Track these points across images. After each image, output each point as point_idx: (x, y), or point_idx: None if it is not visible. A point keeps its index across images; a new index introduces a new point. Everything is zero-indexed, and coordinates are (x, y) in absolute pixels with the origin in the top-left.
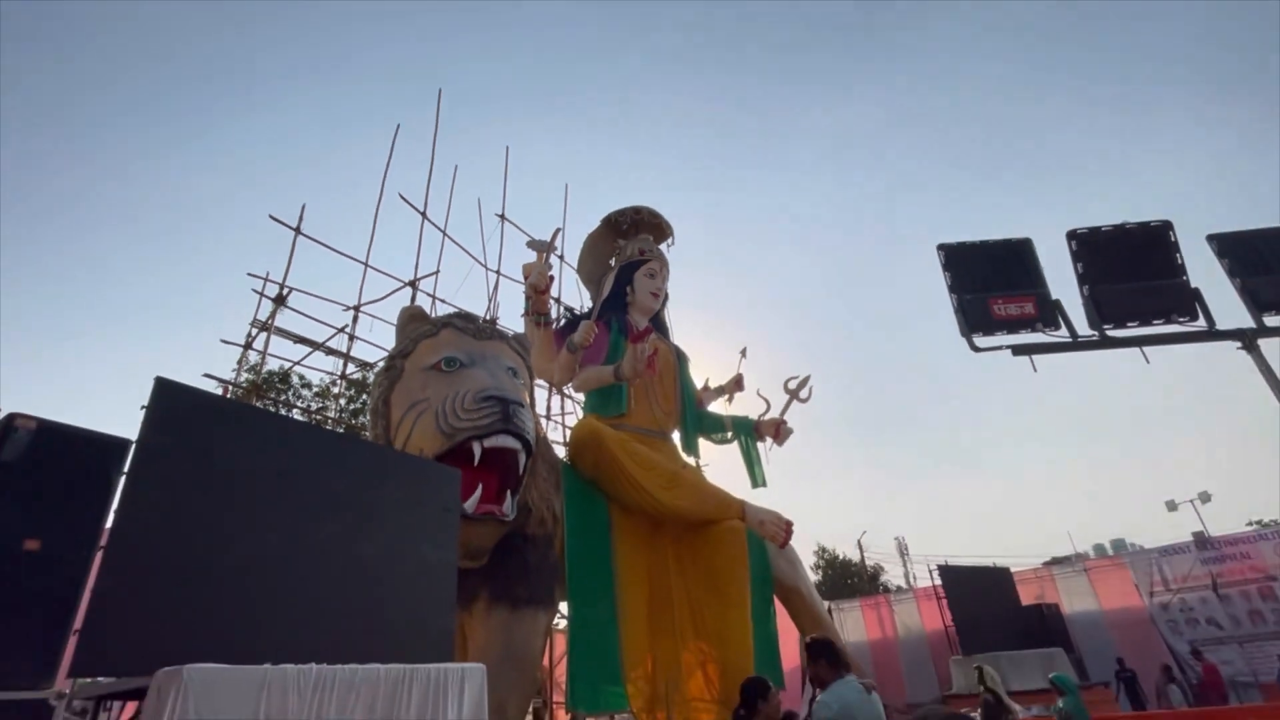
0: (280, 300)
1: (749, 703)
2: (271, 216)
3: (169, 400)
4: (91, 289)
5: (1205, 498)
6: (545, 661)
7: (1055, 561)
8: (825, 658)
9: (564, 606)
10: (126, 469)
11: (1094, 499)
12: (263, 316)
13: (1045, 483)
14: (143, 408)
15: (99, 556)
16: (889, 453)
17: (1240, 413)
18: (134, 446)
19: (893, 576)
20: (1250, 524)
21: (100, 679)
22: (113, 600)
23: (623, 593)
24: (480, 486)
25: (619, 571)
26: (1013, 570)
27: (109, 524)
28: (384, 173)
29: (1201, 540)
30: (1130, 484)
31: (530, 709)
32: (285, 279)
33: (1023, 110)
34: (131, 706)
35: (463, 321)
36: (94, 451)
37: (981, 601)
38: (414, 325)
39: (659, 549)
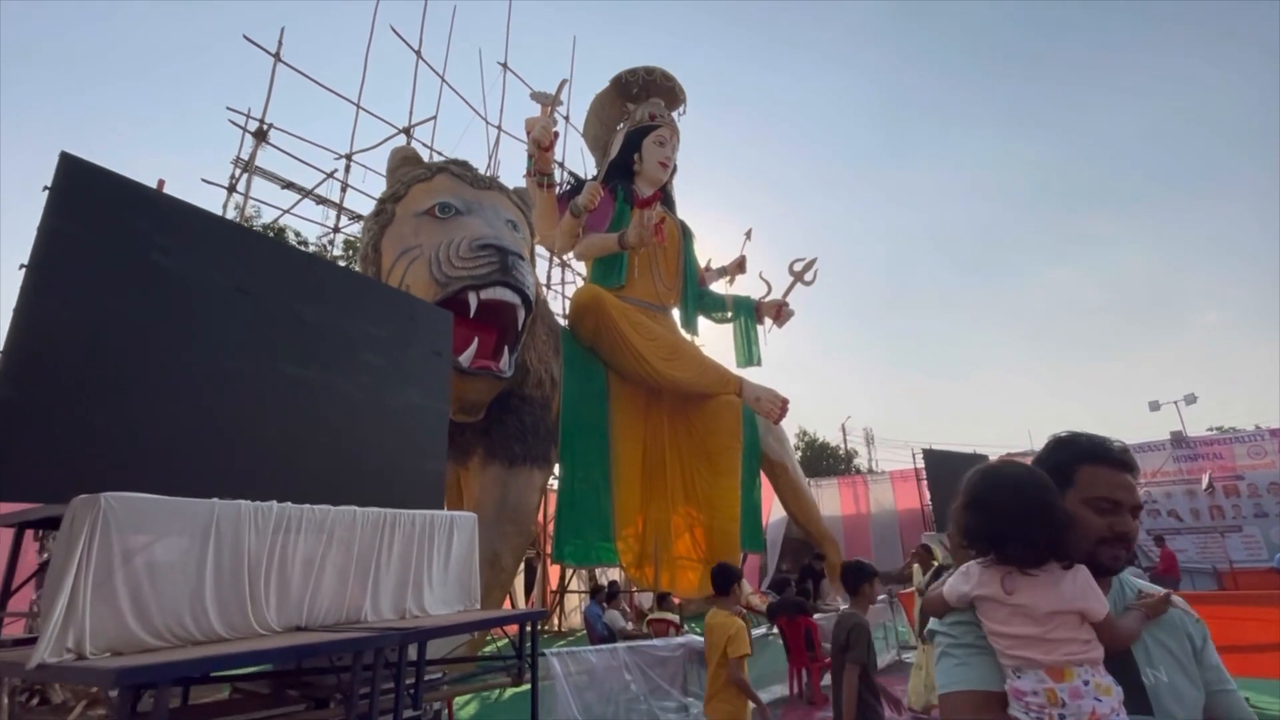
0: (261, 135)
1: (854, 585)
2: (246, 37)
3: (81, 182)
4: (57, 112)
5: (1191, 400)
6: (540, 518)
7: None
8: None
9: (558, 468)
10: (27, 260)
11: (1078, 399)
12: (245, 156)
13: (1033, 382)
14: (45, 189)
15: None
16: (881, 342)
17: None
18: (35, 234)
19: (860, 461)
20: (1210, 429)
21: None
22: (16, 414)
23: (617, 457)
24: (476, 340)
25: (614, 437)
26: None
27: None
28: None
29: (1178, 439)
30: (1116, 387)
31: (523, 561)
32: (265, 113)
33: None
34: None
35: (459, 168)
36: None
37: (959, 483)
38: (406, 169)
39: (654, 418)
